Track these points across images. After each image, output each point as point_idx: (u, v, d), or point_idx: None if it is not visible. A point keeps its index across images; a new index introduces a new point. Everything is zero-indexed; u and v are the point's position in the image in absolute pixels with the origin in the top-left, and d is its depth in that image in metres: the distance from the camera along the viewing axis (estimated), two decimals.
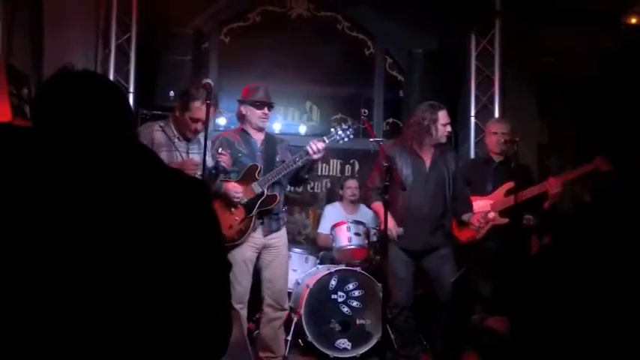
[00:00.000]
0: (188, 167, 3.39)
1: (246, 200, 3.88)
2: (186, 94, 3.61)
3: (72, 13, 4.79)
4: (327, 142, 3.95)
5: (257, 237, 3.95)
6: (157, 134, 3.47)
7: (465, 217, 4.15)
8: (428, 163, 4.06)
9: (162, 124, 3.68)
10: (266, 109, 4.05)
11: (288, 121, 6.28)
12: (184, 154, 3.61)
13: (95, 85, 1.47)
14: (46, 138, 1.38)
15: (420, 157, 4.04)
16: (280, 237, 4.05)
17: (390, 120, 6.31)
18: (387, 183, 3.60)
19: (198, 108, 3.50)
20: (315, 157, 3.88)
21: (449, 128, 4.05)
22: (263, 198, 3.90)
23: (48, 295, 1.25)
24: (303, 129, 6.32)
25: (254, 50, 6.09)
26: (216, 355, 1.40)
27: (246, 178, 3.92)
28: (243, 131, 4.09)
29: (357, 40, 6.33)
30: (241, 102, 4.08)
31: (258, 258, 4.01)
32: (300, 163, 3.93)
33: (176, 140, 3.63)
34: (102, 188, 1.32)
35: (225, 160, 3.67)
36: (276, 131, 5.76)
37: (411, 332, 4.16)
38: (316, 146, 3.84)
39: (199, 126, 3.56)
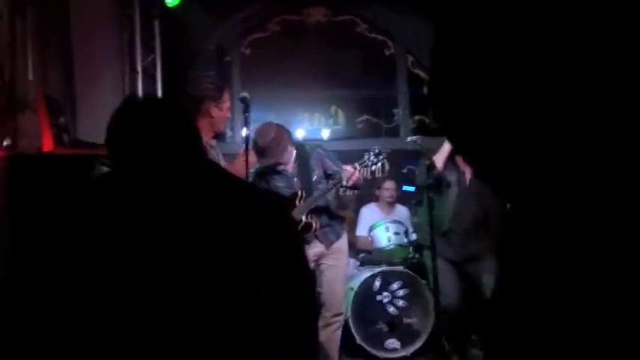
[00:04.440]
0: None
1: None
2: (208, 90, 3.34)
3: (98, 38, 4.85)
4: (358, 167, 3.90)
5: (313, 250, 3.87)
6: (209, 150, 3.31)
7: None
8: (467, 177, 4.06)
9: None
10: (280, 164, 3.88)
11: (314, 127, 6.31)
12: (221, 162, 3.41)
13: (167, 110, 1.51)
14: (132, 166, 1.42)
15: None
16: (339, 244, 4.00)
17: (417, 117, 6.32)
18: (430, 184, 3.60)
19: (228, 95, 3.40)
20: (349, 183, 3.85)
21: None
22: (301, 225, 3.80)
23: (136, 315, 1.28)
24: (325, 133, 6.35)
25: (275, 60, 6.14)
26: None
27: (289, 207, 3.79)
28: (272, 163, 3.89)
29: (377, 41, 6.35)
30: None
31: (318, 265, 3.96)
32: (333, 191, 3.90)
33: (210, 149, 3.31)
34: (194, 209, 1.35)
35: None
36: (300, 138, 5.73)
37: (459, 330, 4.13)
38: (348, 176, 3.76)
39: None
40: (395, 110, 4.14)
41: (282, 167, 3.88)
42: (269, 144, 3.71)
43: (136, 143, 1.45)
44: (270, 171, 3.89)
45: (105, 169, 3.70)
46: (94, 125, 4.64)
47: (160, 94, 5.30)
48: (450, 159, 3.96)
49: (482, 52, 0.88)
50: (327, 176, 3.93)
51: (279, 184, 3.89)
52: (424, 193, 3.97)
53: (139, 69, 5.21)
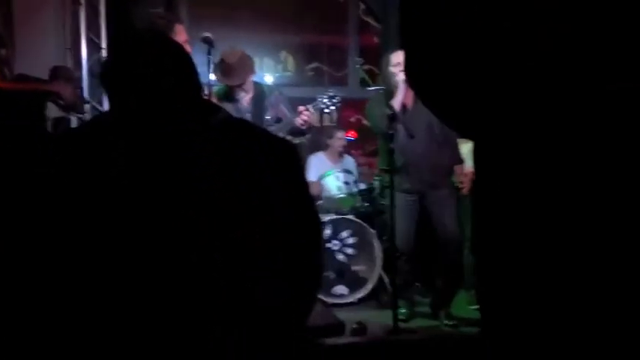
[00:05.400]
0: None
1: None
2: (159, 26, 3.31)
3: None
4: (312, 111, 3.87)
5: None
6: None
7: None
8: (410, 105, 4.01)
9: None
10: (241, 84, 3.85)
11: (263, 72, 6.18)
12: None
13: (170, 47, 1.41)
14: (131, 108, 1.33)
15: (404, 104, 4.01)
16: None
17: (367, 67, 6.30)
18: (392, 132, 3.61)
19: (182, 28, 3.32)
20: (303, 125, 3.83)
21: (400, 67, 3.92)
22: None
23: (151, 259, 1.23)
24: (269, 79, 6.24)
25: (225, 1, 5.93)
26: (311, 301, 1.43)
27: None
28: (228, 95, 3.91)
29: None
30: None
31: None
32: (284, 132, 3.84)
33: None
34: (202, 152, 1.29)
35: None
36: None
37: (407, 275, 4.26)
38: (302, 119, 3.76)
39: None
40: (358, 59, 4.09)
41: (241, 94, 3.84)
42: (236, 62, 3.74)
43: (120, 86, 1.34)
44: (228, 97, 3.84)
45: (54, 107, 3.51)
46: (33, 58, 4.37)
47: (103, 28, 5.03)
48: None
49: (467, 53, 0.89)
50: (278, 120, 3.89)
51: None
52: (381, 139, 4.01)
53: (82, 0, 4.91)
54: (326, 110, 3.98)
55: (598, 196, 0.87)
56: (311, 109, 3.82)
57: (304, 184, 1.42)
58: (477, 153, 1.06)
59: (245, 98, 3.86)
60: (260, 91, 3.95)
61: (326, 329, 3.40)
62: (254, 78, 4.02)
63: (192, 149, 1.27)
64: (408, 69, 1.02)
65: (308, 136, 6.02)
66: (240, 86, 3.78)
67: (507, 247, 0.97)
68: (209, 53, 3.28)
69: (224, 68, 3.68)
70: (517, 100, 0.88)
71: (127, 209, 1.21)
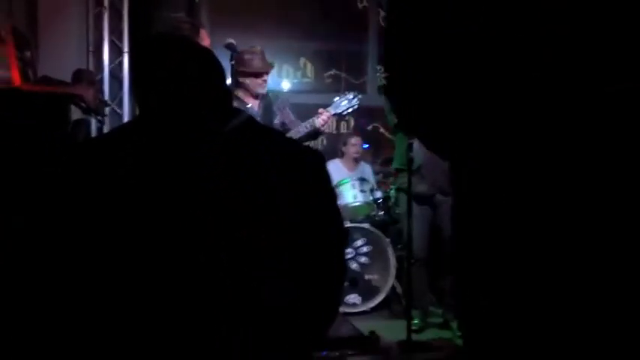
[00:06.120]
0: None
1: None
2: (184, 30, 3.33)
3: None
4: (332, 112, 3.89)
5: None
6: None
7: None
8: None
9: None
10: (265, 75, 3.87)
11: (282, 78, 6.21)
12: None
13: (196, 52, 1.41)
14: (162, 113, 1.33)
15: None
16: None
17: (385, 75, 6.28)
18: (411, 141, 3.63)
19: (206, 34, 3.40)
20: (323, 129, 3.86)
21: None
22: None
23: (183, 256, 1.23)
24: (286, 85, 6.25)
25: (245, 5, 5.95)
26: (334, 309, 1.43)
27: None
28: (237, 98, 3.82)
29: None
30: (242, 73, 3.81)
31: None
32: (304, 134, 3.85)
33: None
34: (208, 152, 1.29)
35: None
36: None
37: (422, 284, 4.25)
38: (322, 119, 3.76)
39: None
40: (378, 67, 4.09)
41: (259, 88, 3.84)
42: (258, 54, 3.79)
43: (144, 90, 1.34)
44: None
45: (75, 109, 3.55)
46: (56, 60, 4.43)
47: (126, 31, 5.08)
48: None
49: (480, 61, 0.90)
50: (283, 125, 3.90)
51: None
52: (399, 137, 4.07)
53: (106, 3, 4.97)
54: (345, 110, 3.96)
55: (596, 207, 0.87)
56: (331, 111, 3.85)
57: (314, 185, 1.39)
58: (458, 172, 1.07)
59: (255, 101, 3.89)
60: (266, 97, 3.97)
61: (348, 341, 3.40)
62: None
63: (198, 149, 1.27)
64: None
65: (323, 141, 6.07)
66: (261, 75, 3.80)
67: (490, 271, 0.99)
68: (232, 59, 3.29)
69: (245, 57, 3.72)
70: (514, 109, 0.88)
71: (133, 208, 1.21)
